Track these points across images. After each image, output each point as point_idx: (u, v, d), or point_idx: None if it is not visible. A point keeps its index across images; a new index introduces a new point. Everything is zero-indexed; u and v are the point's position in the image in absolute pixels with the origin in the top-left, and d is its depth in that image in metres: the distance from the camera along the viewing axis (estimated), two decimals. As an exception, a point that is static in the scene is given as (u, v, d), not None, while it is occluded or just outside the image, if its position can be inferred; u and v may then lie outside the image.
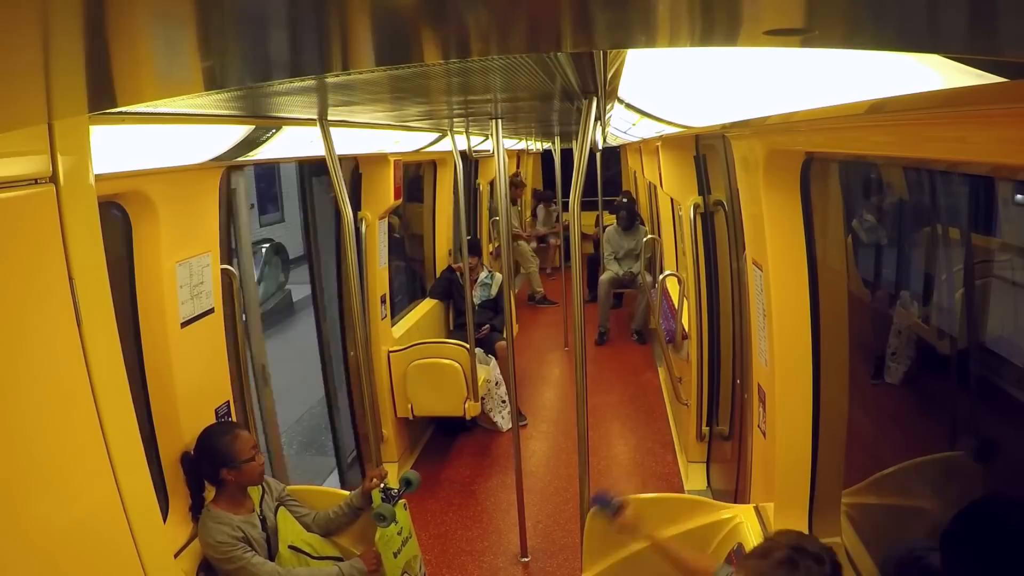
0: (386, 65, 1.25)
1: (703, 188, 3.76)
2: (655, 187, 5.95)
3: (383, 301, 4.42)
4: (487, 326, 5.52)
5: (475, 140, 5.31)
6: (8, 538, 1.21)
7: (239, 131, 2.32)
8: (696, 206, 3.73)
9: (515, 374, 3.77)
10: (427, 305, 5.54)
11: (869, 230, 2.37)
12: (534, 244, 10.23)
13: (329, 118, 2.48)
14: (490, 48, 0.81)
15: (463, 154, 5.01)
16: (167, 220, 2.17)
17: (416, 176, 5.87)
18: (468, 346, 4.39)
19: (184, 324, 2.27)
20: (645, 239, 6.91)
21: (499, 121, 3.12)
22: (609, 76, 1.72)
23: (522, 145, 8.69)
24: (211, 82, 0.92)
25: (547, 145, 9.49)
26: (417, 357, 4.47)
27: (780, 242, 2.11)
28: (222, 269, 2.54)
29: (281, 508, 2.40)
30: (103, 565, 1.44)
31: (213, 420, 2.39)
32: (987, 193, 1.66)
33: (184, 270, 2.26)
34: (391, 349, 4.50)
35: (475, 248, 5.70)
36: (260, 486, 2.36)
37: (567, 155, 5.73)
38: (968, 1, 0.50)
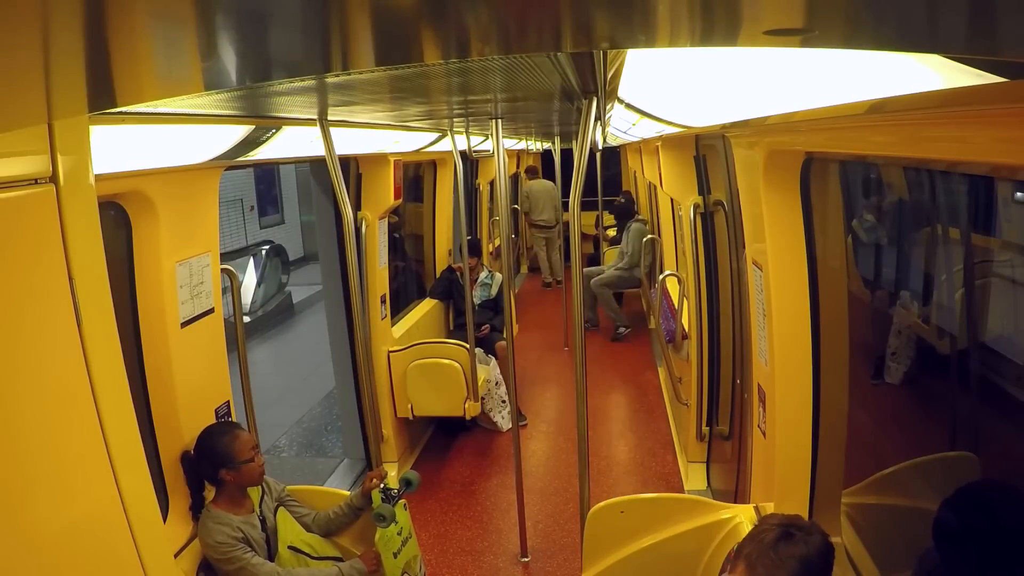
0: (386, 65, 1.25)
1: (703, 188, 3.76)
2: (655, 187, 5.95)
3: (383, 301, 4.42)
4: (487, 326, 5.52)
5: (475, 140, 5.31)
6: (8, 538, 1.21)
7: (239, 131, 2.32)
8: (696, 206, 3.73)
9: (515, 374, 3.77)
10: (427, 305, 5.54)
11: (869, 230, 2.37)
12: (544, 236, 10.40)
13: (329, 118, 2.48)
14: (490, 48, 0.81)
15: (463, 154, 5.01)
16: (167, 220, 2.17)
17: (416, 176, 5.87)
18: (468, 346, 4.39)
19: (184, 324, 2.27)
20: (645, 239, 6.91)
21: (499, 121, 3.12)
22: (609, 76, 1.72)
23: (522, 145, 8.69)
24: (211, 82, 0.92)
25: (547, 145, 9.49)
26: (417, 357, 4.47)
27: (780, 242, 2.11)
28: (222, 269, 2.54)
29: (281, 508, 2.40)
30: (103, 565, 1.44)
31: (213, 420, 2.39)
32: (987, 193, 1.66)
33: (184, 270, 2.26)
34: (391, 349, 4.50)
35: (475, 248, 5.70)
36: (260, 486, 2.36)
37: (567, 155, 5.74)
38: (968, 1, 0.50)
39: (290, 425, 5.85)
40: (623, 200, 8.64)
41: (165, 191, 2.15)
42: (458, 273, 5.54)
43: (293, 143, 2.74)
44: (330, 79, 1.48)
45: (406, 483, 2.59)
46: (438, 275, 5.85)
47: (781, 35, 0.61)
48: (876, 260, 2.47)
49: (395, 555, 2.48)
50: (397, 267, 5.37)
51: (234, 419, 2.51)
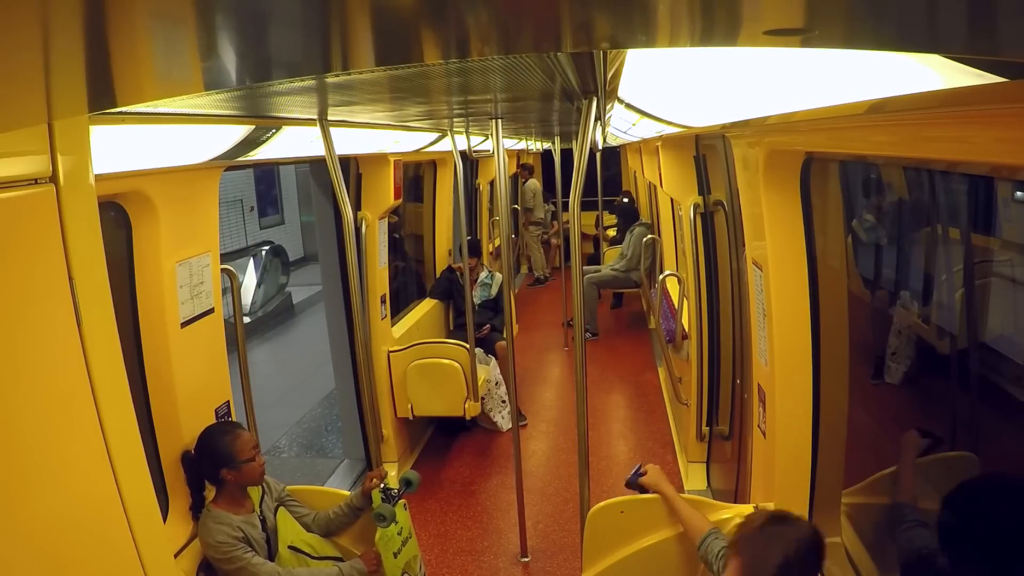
0: (386, 65, 1.26)
1: (703, 188, 3.76)
2: (655, 187, 5.95)
3: (383, 301, 4.42)
4: (487, 326, 5.52)
5: (475, 140, 5.31)
6: (8, 538, 1.21)
7: (239, 131, 2.32)
8: (696, 206, 3.73)
9: (515, 374, 3.77)
10: (427, 305, 5.54)
11: (869, 230, 2.37)
12: (540, 231, 10.74)
13: (329, 118, 2.48)
14: (490, 48, 0.81)
15: (463, 154, 5.01)
16: (167, 220, 2.17)
17: (416, 176, 5.88)
18: (468, 346, 4.39)
19: (184, 324, 2.27)
20: (645, 240, 6.92)
21: (499, 121, 3.12)
22: (609, 76, 1.72)
23: (522, 145, 8.69)
24: (211, 82, 0.92)
25: (547, 145, 9.50)
26: (417, 357, 4.47)
27: (780, 242, 2.11)
28: (222, 269, 2.54)
29: (281, 508, 2.40)
30: (103, 565, 1.44)
31: (213, 420, 2.39)
32: (987, 192, 1.66)
33: (184, 270, 2.26)
34: (391, 349, 4.50)
35: (475, 248, 5.70)
36: (260, 486, 2.36)
37: (567, 155, 5.74)
38: (968, 1, 0.50)
39: (290, 425, 5.85)
40: (625, 200, 8.65)
41: (165, 191, 2.15)
42: (458, 273, 5.54)
43: (293, 143, 2.74)
44: (330, 79, 1.48)
45: (406, 483, 2.59)
46: (438, 275, 5.85)
47: (781, 35, 0.61)
48: (876, 260, 2.47)
49: (395, 555, 2.48)
50: (397, 267, 5.38)
51: (234, 419, 2.51)
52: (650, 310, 7.43)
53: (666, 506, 2.18)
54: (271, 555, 2.29)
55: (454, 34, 0.66)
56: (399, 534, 2.53)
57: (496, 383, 5.10)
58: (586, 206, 9.69)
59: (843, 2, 0.53)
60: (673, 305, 5.01)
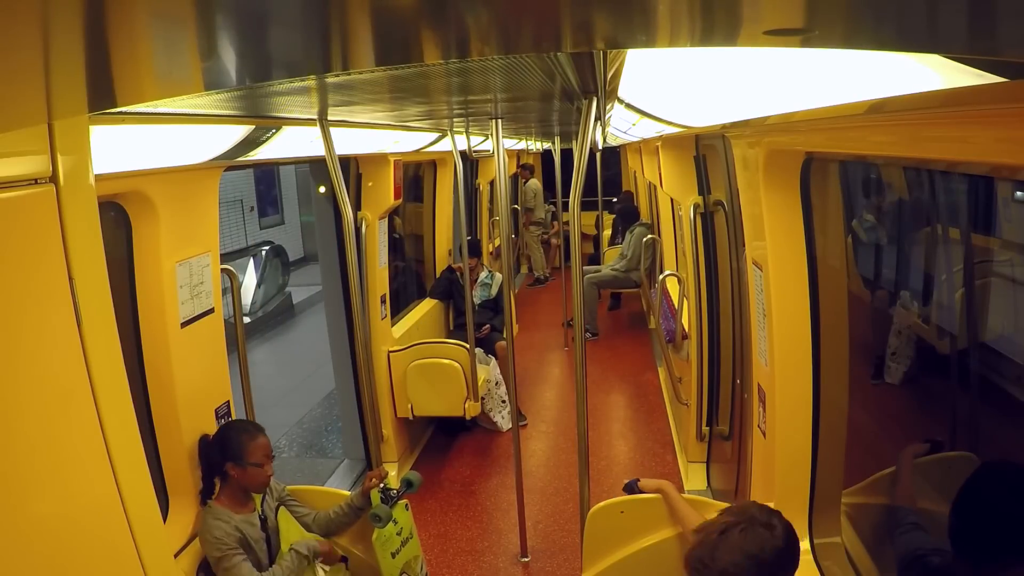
0: (386, 65, 1.26)
1: (703, 188, 3.76)
2: (655, 187, 5.95)
3: (383, 301, 4.42)
4: (487, 326, 5.52)
5: (475, 140, 5.31)
6: (8, 538, 1.21)
7: (239, 131, 2.32)
8: (696, 206, 3.73)
9: (515, 374, 3.77)
10: (427, 305, 5.54)
11: (869, 230, 2.37)
12: (540, 231, 10.78)
13: (329, 118, 2.48)
14: (490, 48, 0.81)
15: (463, 154, 5.01)
16: (167, 220, 2.17)
17: (416, 176, 5.88)
18: (468, 346, 4.39)
19: (184, 324, 2.27)
20: (645, 240, 6.92)
21: (499, 121, 3.12)
22: (609, 76, 1.72)
23: (522, 145, 8.69)
24: (211, 82, 0.92)
25: (547, 145, 9.51)
26: (417, 357, 4.47)
27: (780, 242, 2.11)
28: (222, 269, 2.54)
29: (282, 508, 2.41)
30: (103, 565, 1.44)
31: (213, 420, 2.39)
32: (987, 192, 1.66)
33: (184, 270, 2.26)
34: (391, 349, 4.50)
35: (475, 248, 5.70)
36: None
37: (567, 155, 5.74)
38: (968, 1, 0.50)
39: (290, 426, 5.85)
40: (615, 200, 8.66)
41: (165, 191, 2.15)
42: (458, 273, 5.54)
43: (293, 143, 2.74)
44: (330, 79, 1.48)
45: (407, 484, 2.59)
46: (438, 275, 5.85)
47: (781, 35, 0.61)
48: (876, 260, 2.48)
49: (393, 555, 2.48)
50: (397, 267, 5.38)
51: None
52: (650, 310, 7.44)
53: (666, 506, 2.17)
54: (271, 554, 2.30)
55: (454, 34, 0.66)
56: (399, 534, 2.53)
57: (496, 383, 5.10)
58: (586, 206, 9.71)
59: (843, 2, 0.53)
60: (673, 305, 5.01)
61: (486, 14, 0.58)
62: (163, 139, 1.96)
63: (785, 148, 1.95)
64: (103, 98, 0.93)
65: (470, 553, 3.78)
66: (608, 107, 2.69)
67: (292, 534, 2.37)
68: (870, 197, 2.42)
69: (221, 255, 2.52)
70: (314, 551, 2.30)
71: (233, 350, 2.78)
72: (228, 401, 2.50)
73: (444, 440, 5.18)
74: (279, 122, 2.42)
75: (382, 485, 2.51)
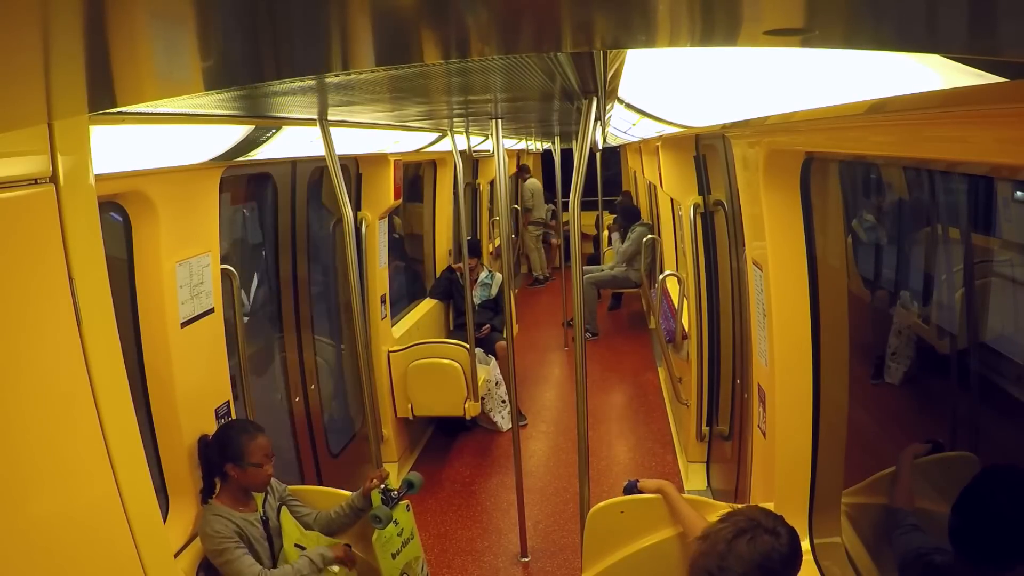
0: (386, 65, 1.25)
1: (703, 188, 3.76)
2: (655, 187, 5.95)
3: (383, 301, 4.42)
4: (487, 326, 5.52)
5: (475, 140, 5.31)
6: (8, 538, 1.21)
7: (239, 131, 2.32)
8: (696, 206, 3.73)
9: (515, 374, 3.77)
10: (427, 305, 5.54)
11: (869, 230, 2.38)
12: (539, 231, 10.74)
13: (329, 118, 2.48)
14: (490, 48, 0.81)
15: (463, 154, 5.01)
16: (167, 220, 2.17)
17: (416, 176, 5.88)
18: (468, 346, 4.39)
19: (184, 324, 2.27)
20: (645, 240, 6.92)
21: (499, 121, 3.12)
22: (609, 76, 1.72)
23: (522, 145, 8.69)
24: (211, 82, 0.92)
25: (547, 145, 9.50)
26: (417, 357, 4.47)
27: (780, 242, 2.11)
28: (222, 269, 2.54)
29: (284, 509, 2.41)
30: (103, 565, 1.44)
31: (213, 420, 2.39)
32: (987, 193, 1.66)
33: (184, 270, 2.26)
34: (391, 349, 4.50)
35: (475, 248, 5.70)
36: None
37: (567, 155, 5.74)
38: (968, 1, 0.50)
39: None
40: (625, 201, 8.66)
41: (165, 191, 2.15)
42: (458, 273, 5.54)
43: (293, 143, 2.73)
44: (330, 79, 1.48)
45: (408, 484, 2.59)
46: (438, 275, 5.85)
47: (781, 35, 0.61)
48: (876, 260, 2.48)
49: (394, 556, 2.48)
50: (396, 267, 5.38)
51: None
52: (650, 310, 7.43)
53: (666, 506, 2.17)
54: (273, 554, 2.30)
55: (454, 34, 0.66)
56: (399, 535, 2.53)
57: (496, 383, 5.10)
58: (586, 206, 9.71)
59: (843, 2, 0.53)
60: (673, 305, 5.01)
61: (486, 14, 0.58)
62: (163, 139, 1.95)
63: (785, 148, 1.95)
64: (103, 98, 0.93)
65: (470, 553, 3.78)
66: (608, 107, 2.69)
67: (293, 535, 2.37)
68: (870, 197, 2.42)
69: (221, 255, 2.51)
70: (328, 560, 2.32)
71: (233, 350, 2.78)
72: (228, 401, 2.50)
73: (444, 440, 5.18)
74: (279, 122, 2.42)
75: (383, 486, 2.51)
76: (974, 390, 1.84)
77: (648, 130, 3.60)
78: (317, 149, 2.57)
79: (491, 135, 3.19)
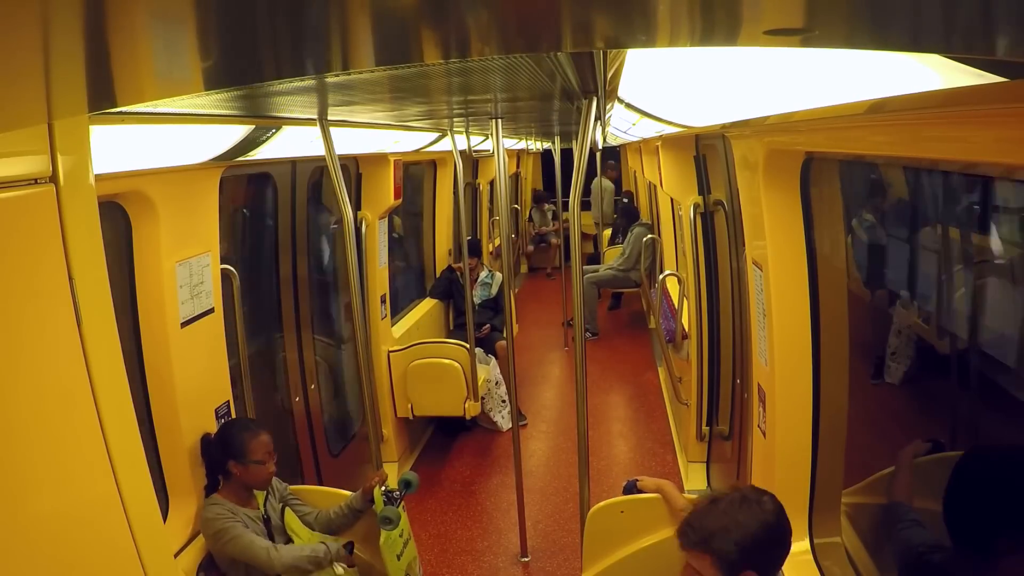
0: (386, 65, 1.25)
1: (703, 188, 3.76)
2: (655, 187, 5.95)
3: (383, 301, 4.42)
4: (487, 326, 5.52)
5: (475, 140, 5.31)
6: (8, 538, 1.21)
7: (239, 131, 2.32)
8: (696, 206, 3.73)
9: (515, 374, 3.77)
10: (427, 305, 5.54)
11: (869, 230, 2.38)
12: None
13: (329, 118, 2.48)
14: (490, 48, 0.81)
15: (463, 154, 5.01)
16: (167, 220, 2.17)
17: (416, 176, 5.88)
18: (468, 346, 4.39)
19: (184, 324, 2.27)
20: (645, 240, 6.92)
21: (499, 121, 3.12)
22: (609, 76, 1.72)
23: (522, 145, 8.69)
24: (211, 82, 0.92)
25: (547, 145, 9.51)
26: (417, 357, 4.47)
27: (780, 242, 2.11)
28: (222, 269, 2.54)
29: (288, 510, 2.41)
30: (103, 564, 1.44)
31: (213, 420, 2.39)
32: (987, 193, 1.66)
33: (184, 270, 2.26)
34: (391, 349, 4.50)
35: (475, 248, 5.70)
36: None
37: (567, 155, 5.74)
38: (968, 1, 0.50)
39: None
40: (625, 200, 8.65)
41: (165, 191, 2.15)
42: (458, 273, 5.54)
43: (293, 143, 2.74)
44: (330, 79, 1.48)
45: (406, 484, 2.59)
46: (438, 275, 5.85)
47: (781, 35, 0.61)
48: (876, 260, 2.48)
49: (398, 557, 2.48)
50: (396, 267, 5.38)
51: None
52: (650, 310, 7.43)
53: (666, 505, 2.17)
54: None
55: (454, 34, 0.66)
56: (400, 536, 2.53)
57: (496, 383, 5.10)
58: (586, 206, 9.72)
59: (843, 2, 0.53)
60: (673, 305, 5.01)
61: (486, 14, 0.58)
62: (163, 139, 1.95)
63: (785, 148, 1.95)
64: (103, 98, 0.93)
65: (470, 553, 3.78)
66: (608, 107, 2.69)
67: (303, 535, 2.38)
68: (870, 197, 2.42)
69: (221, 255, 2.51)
70: (341, 556, 2.32)
71: (233, 350, 2.77)
72: (228, 401, 2.50)
73: (444, 440, 5.18)
74: (279, 122, 2.42)
75: (384, 488, 2.51)
76: (974, 390, 1.84)
77: (648, 130, 3.60)
78: (317, 149, 2.57)
79: (491, 135, 3.19)
